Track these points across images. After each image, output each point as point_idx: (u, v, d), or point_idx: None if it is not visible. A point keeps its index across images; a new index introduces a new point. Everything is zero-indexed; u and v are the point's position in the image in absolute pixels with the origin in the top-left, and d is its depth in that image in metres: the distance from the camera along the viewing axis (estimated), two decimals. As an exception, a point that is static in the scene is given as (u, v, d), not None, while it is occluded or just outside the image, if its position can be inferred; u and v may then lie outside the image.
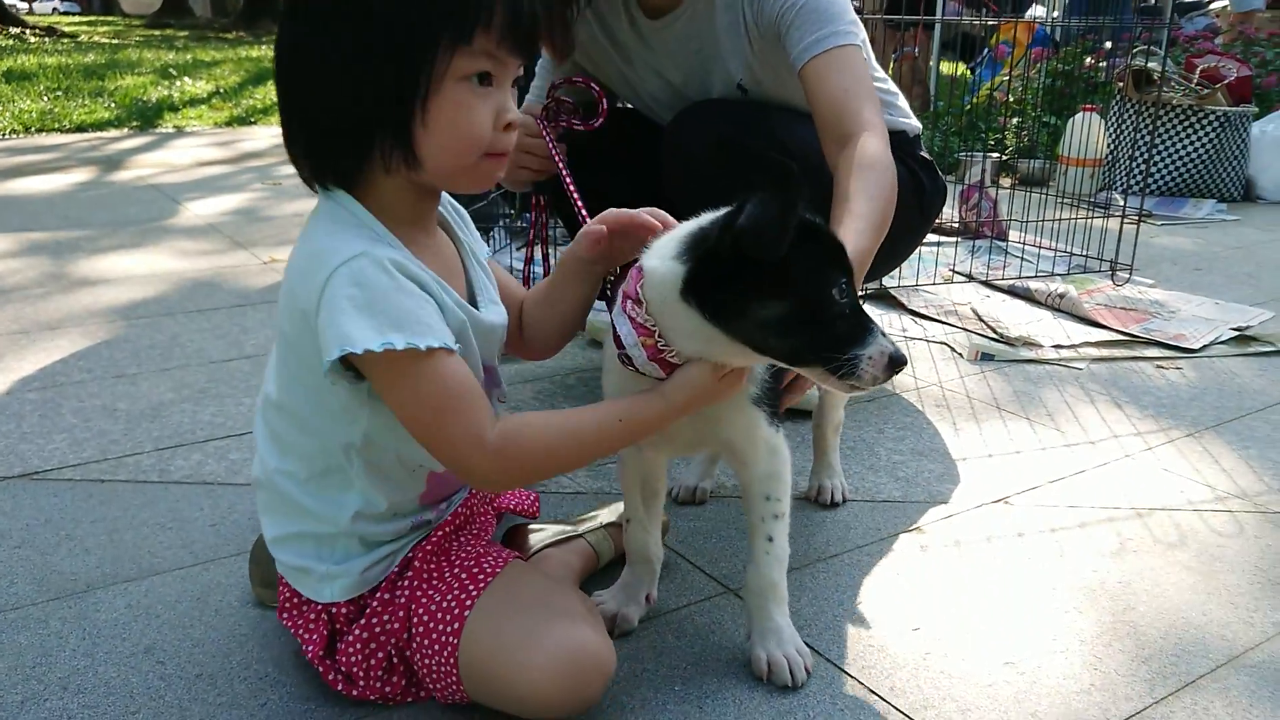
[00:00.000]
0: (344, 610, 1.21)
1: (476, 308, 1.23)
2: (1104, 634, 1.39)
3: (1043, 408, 2.19)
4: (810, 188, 1.84)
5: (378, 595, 1.21)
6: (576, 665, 1.12)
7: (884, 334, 1.11)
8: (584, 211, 1.61)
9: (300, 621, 1.24)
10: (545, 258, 2.10)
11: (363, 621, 1.20)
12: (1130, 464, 1.91)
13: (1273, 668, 1.32)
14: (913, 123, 2.15)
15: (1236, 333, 2.66)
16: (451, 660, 1.13)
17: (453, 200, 1.32)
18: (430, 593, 1.17)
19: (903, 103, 2.16)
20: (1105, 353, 2.53)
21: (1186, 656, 1.34)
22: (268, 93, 8.10)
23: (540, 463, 1.14)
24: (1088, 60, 5.41)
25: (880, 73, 2.11)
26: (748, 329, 1.11)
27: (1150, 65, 4.30)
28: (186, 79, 8.52)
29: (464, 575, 1.18)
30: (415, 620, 1.16)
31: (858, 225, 1.54)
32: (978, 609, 1.44)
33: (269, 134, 6.65)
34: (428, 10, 1.06)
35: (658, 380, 1.16)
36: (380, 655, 1.19)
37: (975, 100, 5.73)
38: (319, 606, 1.22)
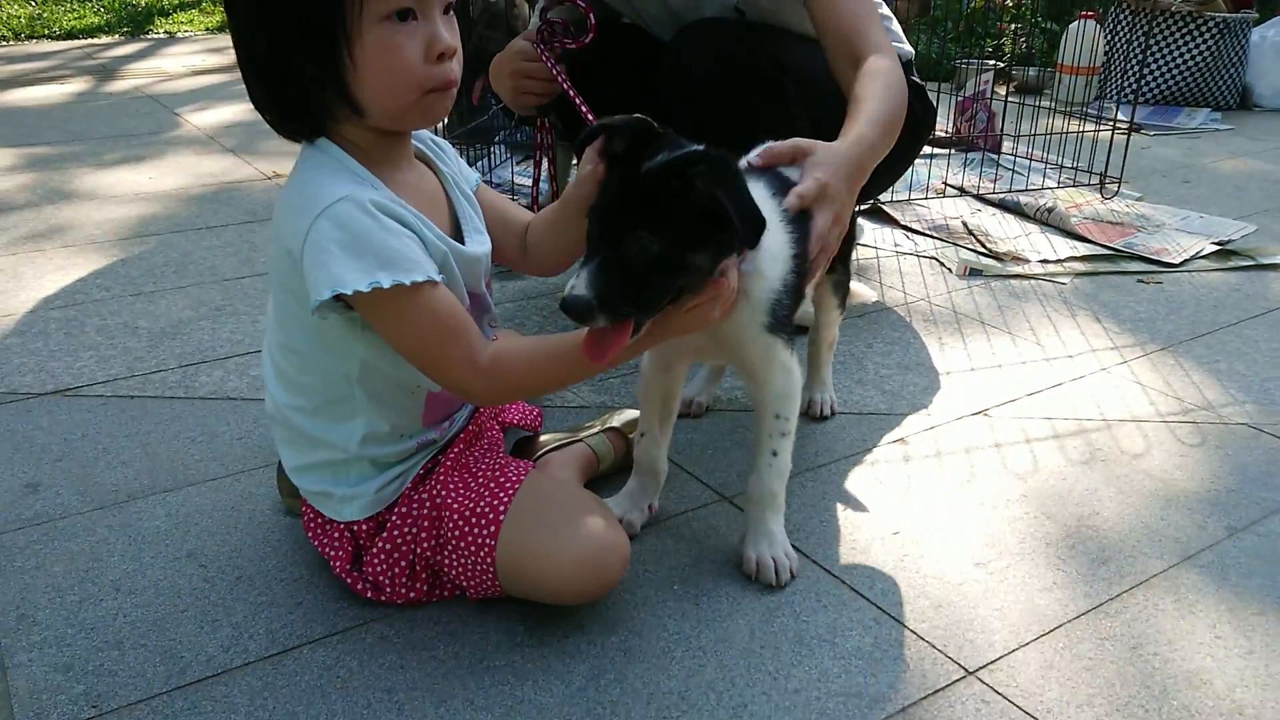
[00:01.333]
0: (365, 527, 1.32)
1: (462, 239, 1.31)
2: (1068, 537, 1.51)
3: (1025, 322, 2.28)
4: (806, 107, 1.90)
5: (396, 510, 1.32)
6: (598, 556, 1.25)
7: (584, 277, 1.11)
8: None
9: (325, 540, 1.35)
10: (553, 178, 2.17)
11: (384, 535, 1.31)
12: (1105, 377, 2.02)
13: (1219, 567, 1.44)
14: (904, 47, 2.19)
15: (1218, 247, 2.73)
16: (489, 560, 1.25)
17: (431, 135, 1.39)
18: (462, 501, 1.28)
19: (896, 26, 2.20)
20: (1089, 267, 2.61)
21: (1142, 558, 1.46)
22: (258, -5, 7.98)
23: (526, 382, 1.26)
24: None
25: (878, -8, 2.14)
26: None
27: (1150, -30, 4.27)
28: (175, -20, 8.36)
29: (492, 484, 1.29)
30: (450, 526, 1.28)
31: (866, 119, 1.60)
32: (954, 515, 1.56)
33: (262, 39, 6.57)
34: None
35: None
36: (403, 564, 1.31)
37: (974, 4, 5.68)
38: (341, 525, 1.33)
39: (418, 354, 1.19)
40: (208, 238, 2.77)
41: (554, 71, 1.90)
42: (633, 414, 1.66)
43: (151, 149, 3.74)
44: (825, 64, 2.04)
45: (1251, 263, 2.64)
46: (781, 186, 1.39)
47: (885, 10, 2.18)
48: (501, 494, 1.29)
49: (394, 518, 1.32)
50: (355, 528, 1.33)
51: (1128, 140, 3.22)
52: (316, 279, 1.13)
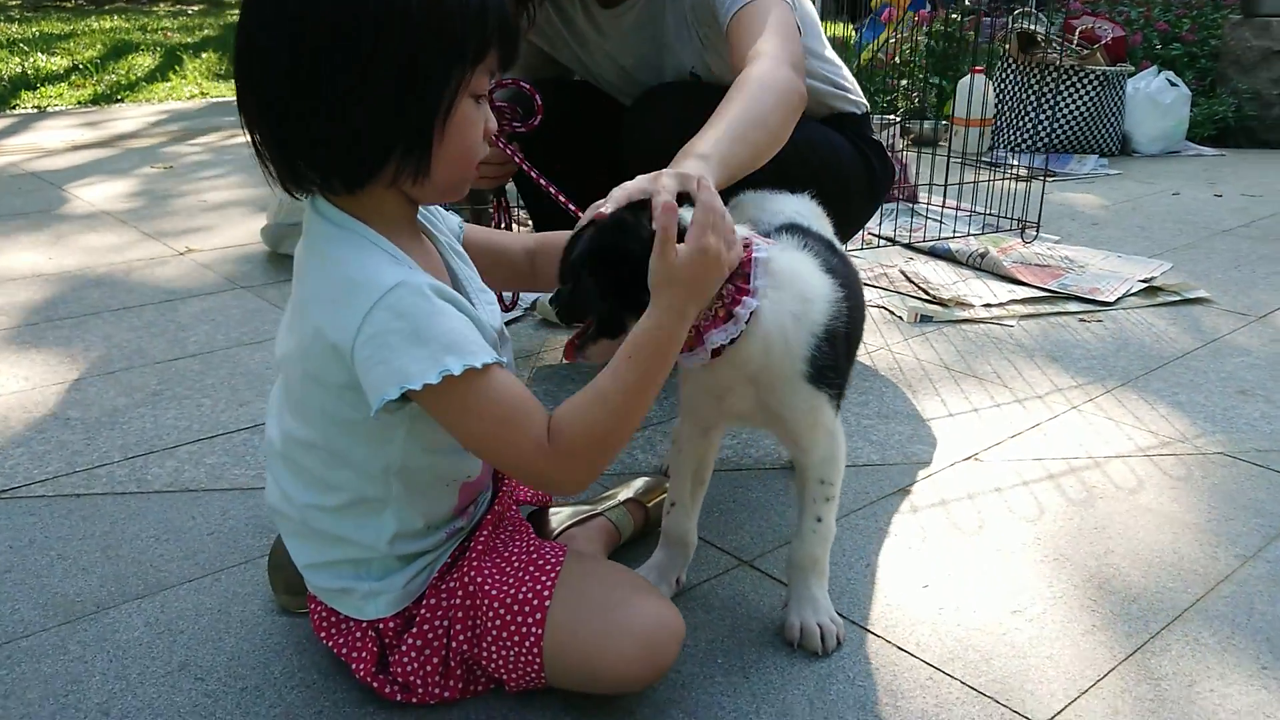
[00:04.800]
0: (391, 624, 1.22)
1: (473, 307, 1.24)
2: (1092, 578, 1.50)
3: (987, 366, 2.31)
4: (773, 175, 1.89)
5: (424, 603, 1.22)
6: (656, 638, 1.17)
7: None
8: (562, 198, 1.62)
9: (345, 640, 1.24)
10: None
11: (414, 630, 1.21)
12: (1078, 416, 2.05)
13: (1242, 597, 1.46)
14: (861, 100, 2.22)
15: (1144, 284, 2.85)
16: (536, 650, 1.16)
17: None
18: (501, 588, 1.19)
19: (850, 82, 2.23)
20: (1030, 310, 2.68)
21: (1168, 594, 1.47)
22: (130, 67, 7.69)
23: (592, 443, 1.11)
24: (966, 21, 5.62)
25: (829, 51, 2.16)
26: None
27: (1034, 28, 4.51)
28: (40, 54, 7.99)
29: (532, 568, 1.20)
30: (489, 616, 1.18)
31: (704, 135, 1.42)
32: (976, 563, 1.54)
33: (140, 113, 6.32)
34: (457, 32, 1.07)
35: (700, 364, 1.22)
36: (436, 661, 1.21)
37: (859, 63, 5.89)
38: (364, 624, 1.22)
39: (486, 443, 1.10)
40: (126, 318, 2.59)
41: (509, 153, 1.86)
42: (644, 481, 1.60)
43: (44, 227, 3.51)
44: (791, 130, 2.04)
45: (1178, 298, 2.75)
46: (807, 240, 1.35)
47: (843, 70, 2.19)
48: (543, 578, 1.20)
49: (423, 611, 1.22)
50: (380, 625, 1.22)
51: (1043, 186, 3.35)
52: (378, 377, 1.04)
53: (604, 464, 1.14)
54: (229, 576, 1.50)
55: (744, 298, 1.18)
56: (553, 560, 1.23)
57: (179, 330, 2.51)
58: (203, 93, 7.22)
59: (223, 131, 5.48)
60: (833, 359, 1.26)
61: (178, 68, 7.76)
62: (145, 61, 7.93)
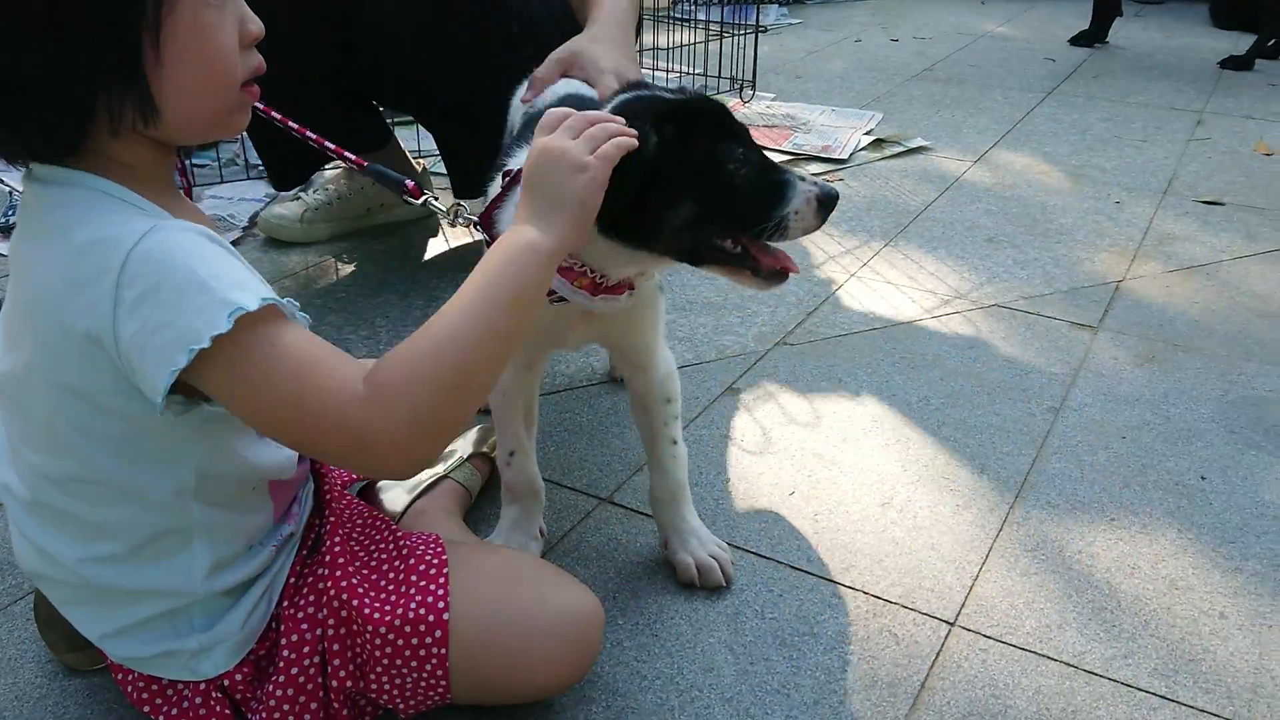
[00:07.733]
0: (239, 676, 0.98)
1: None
2: (936, 457, 1.52)
3: (758, 239, 2.28)
4: (534, 46, 1.70)
5: (285, 640, 0.99)
6: (581, 633, 1.04)
7: (803, 178, 1.03)
8: (312, 136, 1.36)
9: (179, 710, 0.99)
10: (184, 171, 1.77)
11: (278, 679, 0.98)
12: (859, 284, 2.07)
13: (1069, 452, 1.53)
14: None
15: (869, 138, 2.92)
16: (441, 671, 0.98)
17: None
18: (382, 609, 0.98)
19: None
20: (777, 174, 2.67)
21: (1007, 459, 1.51)
22: None
23: (422, 377, 0.83)
24: None
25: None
26: (673, 242, 1.04)
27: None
28: None
29: (414, 576, 1.01)
30: (375, 644, 0.98)
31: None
32: (826, 458, 1.51)
33: None
34: None
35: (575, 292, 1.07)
36: (314, 706, 0.99)
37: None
38: (203, 685, 0.98)
39: (280, 404, 0.82)
40: None
41: None
42: (478, 430, 1.42)
43: None
44: None
45: (902, 148, 2.85)
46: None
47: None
48: (432, 586, 1.01)
49: (285, 651, 0.99)
50: (226, 682, 0.98)
51: (756, 41, 3.33)
52: (159, 350, 0.78)
53: (440, 414, 0.84)
54: (-25, 639, 1.16)
55: None
56: (433, 561, 1.03)
57: None
58: None
59: None
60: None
61: None
62: None
